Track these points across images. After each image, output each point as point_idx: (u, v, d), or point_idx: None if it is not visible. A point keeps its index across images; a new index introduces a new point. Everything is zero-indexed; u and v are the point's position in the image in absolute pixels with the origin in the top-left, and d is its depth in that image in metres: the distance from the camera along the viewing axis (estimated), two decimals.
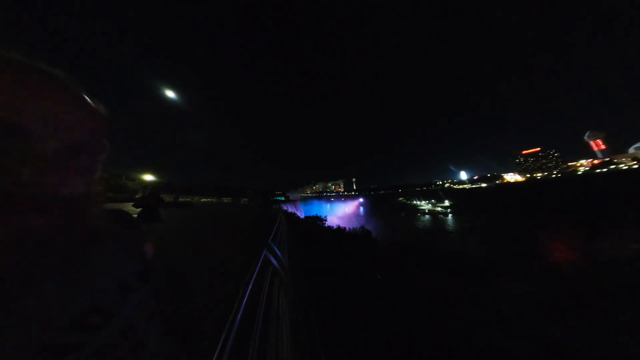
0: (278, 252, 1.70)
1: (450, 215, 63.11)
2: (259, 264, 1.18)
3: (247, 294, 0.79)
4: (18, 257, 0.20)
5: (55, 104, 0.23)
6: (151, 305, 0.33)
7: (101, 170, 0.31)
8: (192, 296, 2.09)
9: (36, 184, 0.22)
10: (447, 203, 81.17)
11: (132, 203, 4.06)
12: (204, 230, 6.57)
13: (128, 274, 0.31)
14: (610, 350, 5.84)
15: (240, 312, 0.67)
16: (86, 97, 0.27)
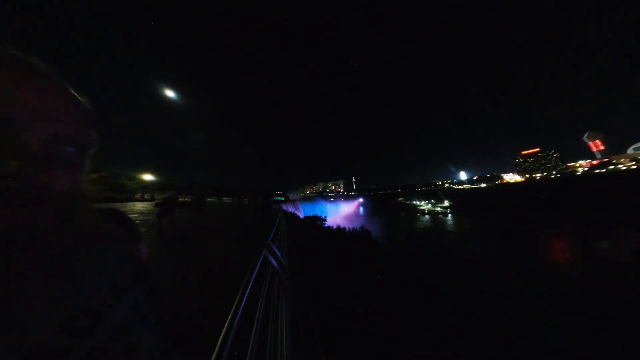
0: (277, 252, 1.68)
1: (449, 215, 63.20)
2: (258, 264, 1.16)
3: (246, 294, 0.78)
4: (3, 254, 0.18)
5: (38, 94, 0.22)
6: (145, 307, 0.31)
7: (91, 165, 0.29)
8: (189, 297, 2.07)
9: (22, 176, 0.20)
10: (446, 203, 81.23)
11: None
12: (203, 229, 6.54)
13: (121, 274, 0.30)
14: (610, 350, 5.84)
15: (239, 313, 0.66)
16: (70, 89, 0.25)
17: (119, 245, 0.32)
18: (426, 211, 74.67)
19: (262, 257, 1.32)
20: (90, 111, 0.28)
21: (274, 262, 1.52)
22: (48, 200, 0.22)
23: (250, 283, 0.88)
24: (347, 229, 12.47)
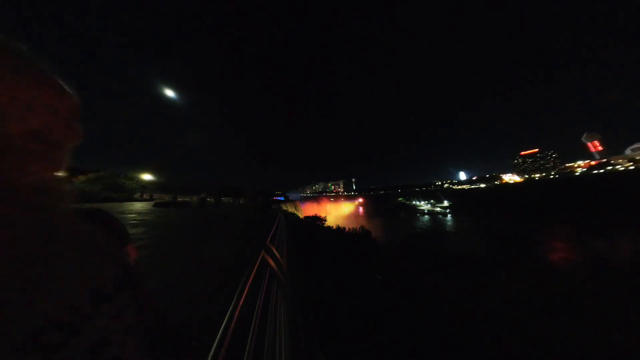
0: (276, 253, 1.66)
1: (449, 215, 63.31)
2: (256, 266, 1.14)
3: (243, 297, 0.76)
4: None
5: (14, 80, 0.19)
6: (130, 316, 0.28)
7: (71, 160, 0.26)
8: (181, 302, 2.02)
9: None
10: (446, 203, 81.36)
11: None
12: (200, 230, 6.50)
13: (101, 280, 0.26)
14: (608, 349, 5.84)
15: (236, 316, 0.64)
16: (53, 76, 0.23)
17: (100, 248, 0.28)
18: (426, 211, 74.77)
19: (260, 258, 1.29)
20: (75, 103, 0.25)
21: (272, 263, 1.49)
22: (19, 196, 0.20)
23: (248, 285, 0.86)
24: (347, 229, 12.45)
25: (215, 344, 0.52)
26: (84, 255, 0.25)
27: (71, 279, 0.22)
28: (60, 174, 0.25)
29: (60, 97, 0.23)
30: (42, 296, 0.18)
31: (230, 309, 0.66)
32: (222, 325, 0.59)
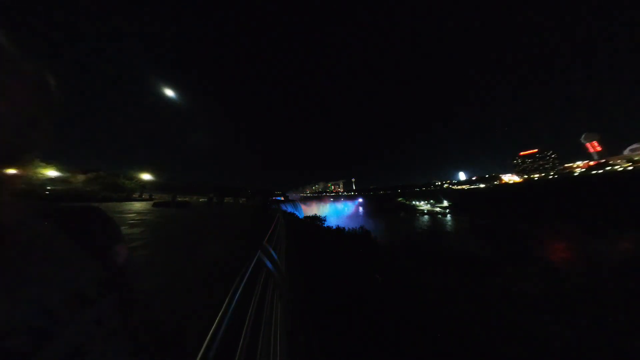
0: (274, 254, 1.65)
1: (448, 215, 63.55)
2: (251, 266, 1.12)
3: (236, 297, 0.73)
4: None
5: None
6: (113, 320, 0.25)
7: (40, 153, 0.22)
8: (176, 303, 1.99)
9: None
10: (445, 203, 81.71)
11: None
12: (199, 230, 6.47)
13: (81, 283, 0.23)
14: (608, 349, 5.85)
15: (227, 317, 0.62)
16: (16, 55, 0.19)
17: (82, 248, 0.26)
18: (425, 211, 75.03)
19: (255, 258, 1.28)
20: (43, 86, 0.21)
21: (268, 264, 1.48)
22: None
23: (242, 285, 0.84)
24: (346, 229, 12.45)
25: (204, 345, 0.50)
26: (56, 256, 0.23)
27: (41, 281, 0.20)
28: (23, 166, 0.21)
29: (22, 78, 0.19)
30: (10, 300, 0.16)
31: (222, 310, 0.65)
32: (213, 327, 0.57)
